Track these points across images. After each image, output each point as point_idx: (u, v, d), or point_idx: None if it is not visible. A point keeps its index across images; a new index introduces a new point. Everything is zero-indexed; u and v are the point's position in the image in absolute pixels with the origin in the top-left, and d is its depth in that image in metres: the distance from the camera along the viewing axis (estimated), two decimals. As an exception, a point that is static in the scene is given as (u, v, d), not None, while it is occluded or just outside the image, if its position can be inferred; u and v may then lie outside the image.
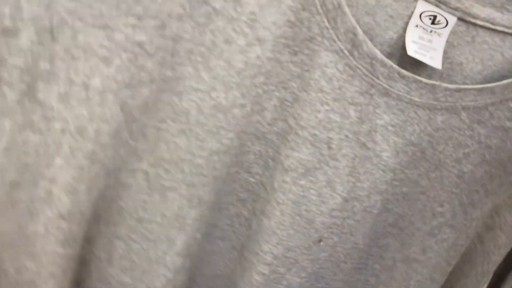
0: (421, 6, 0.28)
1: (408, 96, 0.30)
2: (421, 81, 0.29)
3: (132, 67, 0.25)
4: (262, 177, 0.31)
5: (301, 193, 0.32)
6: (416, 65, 0.30)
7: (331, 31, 0.28)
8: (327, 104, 0.29)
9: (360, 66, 0.29)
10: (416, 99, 0.30)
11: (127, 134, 0.27)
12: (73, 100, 0.25)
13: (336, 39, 0.28)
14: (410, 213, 0.36)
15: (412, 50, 0.29)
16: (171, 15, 0.25)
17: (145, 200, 0.30)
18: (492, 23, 0.29)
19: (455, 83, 0.31)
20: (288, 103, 0.29)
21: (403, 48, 0.29)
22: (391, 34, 0.29)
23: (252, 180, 0.32)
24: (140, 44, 0.25)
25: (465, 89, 0.30)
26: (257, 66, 0.27)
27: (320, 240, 0.34)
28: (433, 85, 0.29)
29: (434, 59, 0.29)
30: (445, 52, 0.30)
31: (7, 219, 0.27)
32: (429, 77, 0.31)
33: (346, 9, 0.27)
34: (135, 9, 0.24)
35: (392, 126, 0.31)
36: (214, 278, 0.36)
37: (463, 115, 0.31)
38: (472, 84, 0.31)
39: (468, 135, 0.32)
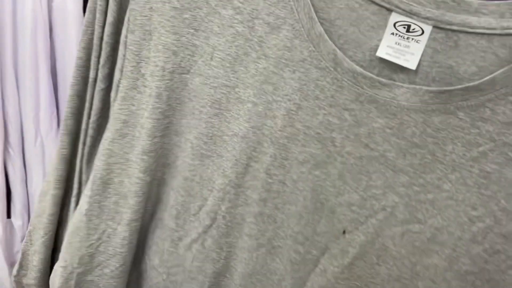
0: (394, 17, 0.33)
1: (396, 101, 0.34)
2: (402, 87, 0.33)
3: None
4: (279, 176, 0.39)
5: (317, 182, 0.38)
6: (406, 71, 0.34)
7: (316, 53, 0.35)
8: (324, 109, 0.36)
9: (345, 79, 0.34)
10: (404, 103, 0.33)
11: (188, 110, 0.41)
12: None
13: (322, 59, 0.35)
14: (446, 223, 0.36)
15: (383, 53, 0.33)
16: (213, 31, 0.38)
17: (189, 163, 0.42)
18: (469, 27, 0.31)
19: (451, 85, 0.33)
20: (293, 112, 0.37)
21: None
22: (376, 42, 0.34)
23: (270, 180, 0.39)
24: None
25: (449, 90, 0.32)
26: (265, 75, 0.37)
27: (344, 232, 0.39)
28: (414, 89, 0.33)
29: (409, 61, 0.32)
30: (431, 57, 0.33)
31: (118, 149, 0.43)
32: (422, 81, 0.34)
33: (326, 37, 0.34)
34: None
35: (389, 128, 0.35)
36: (246, 277, 0.44)
37: (460, 114, 0.33)
38: (469, 84, 0.32)
39: (476, 133, 0.33)
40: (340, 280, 0.40)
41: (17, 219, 0.65)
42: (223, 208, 0.42)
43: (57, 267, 0.49)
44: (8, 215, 0.68)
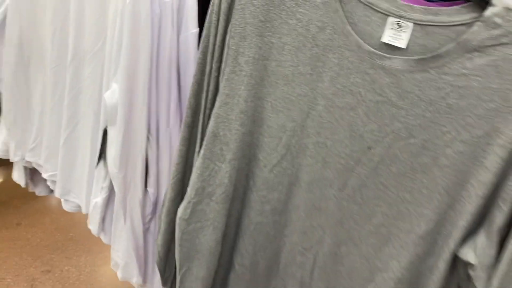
0: (390, 19, 0.58)
1: (395, 67, 0.59)
2: (398, 58, 0.58)
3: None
4: (327, 117, 0.65)
5: (352, 119, 0.63)
6: (399, 49, 0.59)
7: (348, 42, 0.60)
8: (353, 74, 0.61)
9: (365, 56, 0.60)
10: (399, 67, 0.58)
11: (267, 83, 0.67)
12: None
13: (350, 45, 0.60)
14: (429, 137, 0.60)
15: (386, 39, 0.58)
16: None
17: (270, 116, 0.68)
18: (433, 22, 0.56)
19: (425, 55, 0.58)
20: (334, 77, 0.62)
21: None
22: (381, 34, 0.59)
23: (322, 121, 0.65)
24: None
25: (424, 58, 0.57)
26: (316, 57, 0.62)
27: (369, 148, 0.64)
28: (405, 59, 0.58)
29: (401, 44, 0.57)
30: (413, 41, 0.58)
31: (223, 112, 0.70)
32: (409, 54, 0.58)
33: (352, 32, 0.59)
34: None
35: (392, 83, 0.60)
36: (309, 184, 0.70)
37: (432, 72, 0.57)
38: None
39: (442, 82, 0.57)
40: (369, 178, 0.65)
41: (150, 188, 0.88)
42: (293, 141, 0.69)
43: (183, 200, 0.77)
44: (145, 185, 0.88)
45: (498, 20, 0.53)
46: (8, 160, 1.91)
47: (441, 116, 0.59)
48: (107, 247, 1.76)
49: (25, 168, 1.13)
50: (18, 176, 1.16)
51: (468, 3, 0.55)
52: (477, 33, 0.54)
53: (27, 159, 1.06)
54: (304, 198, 0.72)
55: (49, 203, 2.06)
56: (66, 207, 1.03)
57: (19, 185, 2.09)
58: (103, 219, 0.92)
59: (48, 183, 1.06)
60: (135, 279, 0.93)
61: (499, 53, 0.53)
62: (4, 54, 0.98)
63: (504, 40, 0.53)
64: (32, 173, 1.18)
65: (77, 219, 1.99)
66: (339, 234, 0.71)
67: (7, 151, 1.12)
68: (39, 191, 1.22)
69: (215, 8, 0.67)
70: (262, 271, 0.79)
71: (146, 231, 0.91)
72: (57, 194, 1.00)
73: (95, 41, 0.82)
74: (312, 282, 0.76)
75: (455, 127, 0.58)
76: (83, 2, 0.82)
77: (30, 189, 1.23)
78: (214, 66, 0.70)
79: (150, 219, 0.90)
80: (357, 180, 0.67)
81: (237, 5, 0.65)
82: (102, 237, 0.95)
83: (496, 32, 0.53)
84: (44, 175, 1.04)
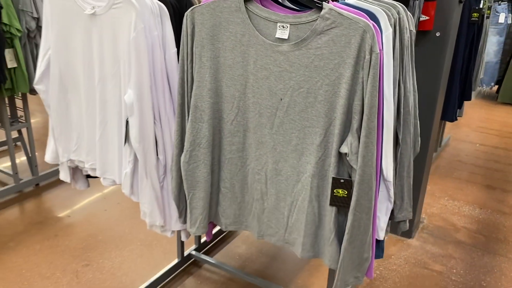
0: (278, 24, 1.06)
1: (284, 50, 1.07)
2: (284, 44, 1.06)
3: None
4: (256, 86, 1.12)
5: (269, 84, 1.11)
6: (285, 40, 1.07)
7: (259, 40, 1.08)
8: (265, 57, 1.09)
9: (268, 47, 1.08)
10: (286, 50, 1.06)
11: (221, 71, 1.15)
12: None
13: (259, 42, 1.08)
14: (310, 86, 1.07)
15: (277, 35, 1.06)
16: None
17: (225, 90, 1.17)
18: (299, 22, 1.04)
19: (298, 40, 1.06)
20: (255, 60, 1.10)
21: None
22: (275, 33, 1.07)
23: (254, 88, 1.13)
24: None
25: (298, 42, 1.05)
26: (243, 50, 1.11)
27: (281, 99, 1.11)
28: (288, 45, 1.06)
29: (285, 36, 1.05)
30: (292, 33, 1.06)
31: (198, 91, 1.18)
32: (290, 41, 1.06)
33: (259, 34, 1.08)
34: None
35: (285, 58, 1.07)
36: (254, 128, 1.17)
37: (303, 49, 1.05)
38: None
39: (309, 53, 1.05)
40: (285, 117, 1.12)
41: (160, 155, 1.33)
42: (241, 103, 1.16)
43: (183, 151, 1.24)
44: (157, 154, 1.36)
45: (327, 15, 1.01)
46: (38, 189, 2.47)
47: (312, 72, 1.06)
48: (130, 243, 2.21)
49: (69, 168, 1.59)
50: (64, 175, 1.61)
51: (314, 9, 1.03)
52: (319, 23, 1.02)
53: (72, 158, 1.52)
54: (253, 138, 1.19)
55: (77, 218, 2.50)
56: (104, 183, 1.47)
57: (50, 208, 2.54)
58: (132, 184, 1.37)
59: (89, 171, 1.51)
60: (158, 222, 1.38)
61: (332, 32, 1.01)
62: (50, 87, 1.45)
63: (333, 25, 1.01)
64: (73, 172, 1.63)
65: (102, 226, 2.43)
66: (275, 155, 1.17)
67: (55, 157, 1.57)
68: (79, 186, 1.68)
69: (184, 32, 1.16)
70: (238, 190, 1.25)
71: (161, 188, 1.36)
72: (97, 174, 1.46)
73: (113, 65, 1.29)
74: (267, 190, 1.21)
75: (321, 77, 1.06)
76: (102, 42, 1.29)
77: (72, 185, 1.68)
78: (189, 66, 1.18)
79: (163, 178, 1.36)
80: (278, 120, 1.14)
81: (196, 29, 1.14)
82: (133, 197, 1.40)
83: (328, 22, 1.01)
84: (86, 166, 1.49)
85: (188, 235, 1.45)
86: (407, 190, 1.37)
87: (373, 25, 0.99)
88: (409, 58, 1.29)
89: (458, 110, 3.05)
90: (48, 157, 1.58)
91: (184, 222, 1.34)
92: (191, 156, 1.21)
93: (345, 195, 1.09)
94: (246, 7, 1.08)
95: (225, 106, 1.18)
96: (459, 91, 2.93)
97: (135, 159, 1.32)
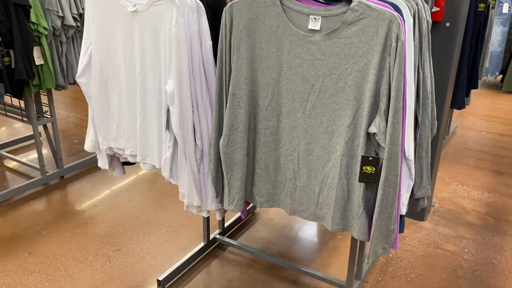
0: (311, 16, 1.17)
1: (317, 40, 1.17)
2: (317, 34, 1.17)
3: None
4: (290, 73, 1.23)
5: (303, 72, 1.22)
6: (317, 31, 1.17)
7: (291, 30, 1.19)
8: (299, 46, 1.20)
9: (301, 37, 1.19)
10: (318, 39, 1.17)
11: (257, 61, 1.26)
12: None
13: (293, 33, 1.19)
14: (340, 72, 1.18)
15: (310, 26, 1.17)
16: None
17: (260, 78, 1.28)
18: (329, 14, 1.15)
19: (329, 30, 1.16)
20: (289, 49, 1.21)
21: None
22: (307, 24, 1.18)
23: (288, 76, 1.24)
24: None
25: (329, 32, 1.16)
26: (278, 42, 1.22)
27: (313, 85, 1.22)
28: (320, 35, 1.17)
29: (317, 27, 1.16)
30: (323, 24, 1.16)
31: (236, 79, 1.29)
32: (322, 32, 1.17)
33: (292, 26, 1.19)
34: None
35: (317, 48, 1.18)
36: (287, 113, 1.28)
37: (334, 38, 1.16)
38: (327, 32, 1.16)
39: (340, 42, 1.16)
40: (317, 101, 1.23)
41: (198, 141, 1.44)
42: (275, 90, 1.27)
43: (222, 136, 1.35)
44: (195, 139, 1.48)
45: (356, 7, 1.11)
46: (63, 181, 2.55)
47: (342, 60, 1.17)
48: (156, 229, 2.34)
49: (108, 156, 1.70)
50: (103, 163, 1.73)
51: (343, 2, 1.14)
52: (349, 15, 1.12)
53: (112, 145, 1.63)
54: (286, 122, 1.30)
55: (103, 207, 2.63)
56: (144, 168, 1.58)
57: (76, 198, 2.66)
58: (171, 168, 1.48)
59: (129, 158, 1.62)
60: (196, 202, 1.49)
61: (361, 23, 1.12)
62: (91, 80, 1.56)
63: (362, 16, 1.11)
64: (111, 160, 1.75)
65: (129, 214, 2.55)
66: (307, 137, 1.28)
67: (94, 146, 1.69)
68: (116, 173, 1.79)
69: (223, 26, 1.26)
70: (272, 170, 1.37)
71: (198, 171, 1.48)
72: (138, 159, 1.57)
73: (153, 58, 1.40)
74: (299, 170, 1.33)
75: (351, 64, 1.17)
76: (143, 37, 1.40)
77: (110, 172, 1.80)
78: (227, 56, 1.29)
79: (200, 162, 1.47)
80: (310, 104, 1.25)
81: (234, 23, 1.25)
82: (172, 180, 1.51)
83: (357, 13, 1.11)
84: (126, 152, 1.60)
85: (223, 213, 1.57)
86: (426, 169, 1.48)
87: (398, 16, 1.10)
88: (427, 46, 1.40)
89: (465, 98, 3.15)
90: (88, 146, 1.70)
91: (221, 201, 1.45)
92: (229, 140, 1.33)
93: (373, 172, 1.20)
94: (280, 1, 1.19)
95: (261, 93, 1.29)
96: (466, 80, 3.03)
97: (175, 144, 1.44)
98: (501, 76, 5.49)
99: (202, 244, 2.18)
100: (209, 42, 1.37)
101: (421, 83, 1.37)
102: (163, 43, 1.36)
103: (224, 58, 1.29)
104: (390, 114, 1.14)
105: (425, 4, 1.39)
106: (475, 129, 4.22)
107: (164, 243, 2.30)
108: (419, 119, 1.40)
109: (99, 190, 2.83)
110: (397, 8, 1.19)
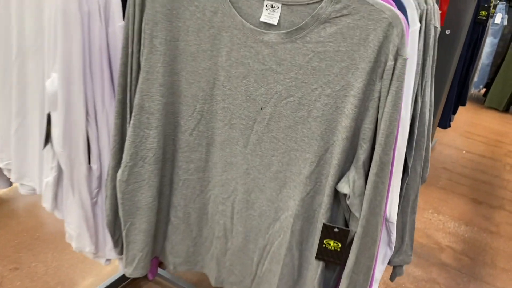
0: (266, 2, 0.73)
1: (271, 40, 0.74)
2: (272, 33, 0.73)
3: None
4: (228, 85, 0.80)
5: (246, 86, 0.78)
6: (273, 26, 0.74)
7: (235, 22, 0.75)
8: (242, 48, 0.76)
9: (248, 33, 0.75)
10: (274, 40, 0.74)
11: (180, 59, 0.81)
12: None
13: (237, 25, 0.75)
14: (303, 94, 0.75)
15: (263, 18, 0.73)
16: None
17: (184, 87, 0.83)
18: (295, 2, 0.71)
19: (291, 28, 0.73)
20: (229, 51, 0.77)
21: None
22: (259, 14, 0.74)
23: (225, 89, 0.80)
24: None
25: (290, 31, 0.72)
26: (214, 35, 0.78)
27: (261, 108, 0.79)
28: (277, 33, 0.73)
29: (274, 21, 0.73)
30: (283, 17, 0.73)
31: (145, 86, 0.84)
32: (280, 29, 0.74)
33: (237, 14, 0.75)
34: None
35: (271, 53, 0.75)
36: (221, 143, 0.85)
37: (298, 42, 0.73)
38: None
39: (305, 49, 0.73)
40: (264, 134, 0.81)
41: (94, 164, 0.99)
42: (205, 108, 0.84)
43: (121, 165, 0.90)
44: (89, 162, 0.98)
45: (338, -3, 0.69)
46: None
47: (309, 77, 0.74)
48: (71, 244, 1.86)
49: (-15, 163, 1.24)
50: (-22, 170, 1.26)
51: (319, -14, 0.71)
52: (325, 7, 0.69)
53: (-16, 152, 1.17)
54: (219, 155, 0.87)
55: (15, 207, 2.14)
56: (22, 191, 1.14)
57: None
58: (55, 196, 1.04)
59: (5, 172, 1.17)
60: (88, 248, 1.05)
61: (342, 22, 0.69)
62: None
63: (345, 12, 0.69)
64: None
65: (44, 220, 2.08)
66: (247, 183, 0.86)
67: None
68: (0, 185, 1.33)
69: (131, 1, 0.81)
70: (194, 221, 0.94)
71: (94, 204, 1.04)
72: (12, 179, 1.12)
73: (35, 38, 0.94)
74: (233, 227, 0.90)
75: (320, 84, 0.74)
76: (23, 7, 0.95)
77: (-10, 183, 1.33)
78: (135, 49, 0.84)
79: (97, 193, 1.03)
80: (255, 136, 0.82)
81: (148, -2, 0.80)
82: (56, 213, 1.07)
83: (338, 6, 0.69)
84: (0, 165, 1.15)
85: (128, 265, 1.13)
86: (409, 229, 1.09)
87: (402, 18, 0.68)
88: (431, 63, 0.99)
89: (452, 116, 2.80)
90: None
91: (121, 253, 1.02)
92: (131, 173, 0.89)
93: (338, 249, 0.79)
94: (221, -27, 0.75)
95: (184, 110, 0.86)
96: (455, 96, 2.67)
97: (60, 166, 0.99)
98: (484, 89, 5.21)
99: (122, 272, 1.74)
100: (119, 23, 0.91)
101: (418, 115, 0.96)
102: (48, 19, 0.90)
103: (130, 50, 0.84)
104: (373, 170, 0.73)
105: (435, 5, 0.98)
106: (455, 146, 3.90)
107: (78, 264, 1.84)
108: (409, 164, 1.00)
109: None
110: (400, 6, 0.77)
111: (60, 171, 1.01)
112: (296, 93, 0.76)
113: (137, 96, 0.85)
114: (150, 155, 0.87)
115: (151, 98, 0.84)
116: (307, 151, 0.79)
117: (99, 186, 1.03)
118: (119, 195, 0.90)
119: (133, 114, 0.86)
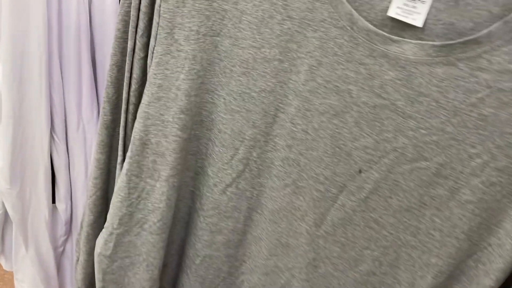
0: (402, -17, 0.37)
1: (404, 55, 0.39)
2: (410, 42, 0.38)
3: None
4: (302, 125, 0.45)
5: (336, 130, 0.44)
6: (413, 28, 0.39)
7: (335, 14, 0.40)
8: (342, 64, 0.41)
9: (360, 37, 0.39)
10: (411, 57, 0.39)
11: (219, 69, 0.46)
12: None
13: (340, 19, 0.40)
14: (448, 160, 0.42)
15: (393, 12, 0.38)
16: None
17: (222, 117, 0.48)
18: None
19: (452, 39, 0.38)
20: (315, 67, 0.42)
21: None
22: (387, 3, 0.39)
23: (294, 129, 0.45)
24: None
25: (451, 44, 0.37)
26: (289, 35, 0.42)
27: (360, 171, 0.45)
28: (420, 44, 0.38)
29: (416, 20, 0.37)
30: (435, 16, 0.38)
31: (154, 111, 0.48)
32: (427, 37, 0.39)
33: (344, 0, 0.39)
34: None
35: (399, 80, 0.40)
36: (274, 213, 0.50)
37: (461, 65, 0.38)
38: (467, 38, 0.37)
39: (474, 81, 0.38)
40: (357, 212, 0.46)
41: (61, 203, 0.68)
42: (254, 154, 0.49)
43: (103, 230, 0.55)
44: (53, 200, 0.68)
45: None
46: None
47: (470, 131, 0.40)
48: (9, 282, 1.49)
49: None
50: None
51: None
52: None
53: None
54: (267, 230, 0.52)
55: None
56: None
57: None
58: (2, 242, 0.69)
59: None
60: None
61: None
62: None
63: None
64: None
65: None
66: (312, 280, 0.52)
67: None
68: None
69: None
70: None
71: (60, 255, 0.70)
72: None
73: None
74: None
75: (489, 148, 0.40)
76: None
77: None
78: (139, 43, 0.48)
79: (65, 240, 0.69)
80: (340, 213, 0.47)
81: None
82: (2, 262, 0.73)
83: None
84: None
85: None
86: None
87: None
88: None
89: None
90: None
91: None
92: (120, 244, 0.54)
93: None
94: None
95: (216, 152, 0.50)
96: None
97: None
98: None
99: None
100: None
101: None
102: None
103: (130, 44, 0.48)
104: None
105: None
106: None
107: None
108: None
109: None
110: None
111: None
112: (436, 156, 0.41)
113: (138, 125, 0.49)
114: (154, 220, 0.52)
115: (163, 131, 0.49)
116: (434, 253, 0.45)
117: (69, 231, 0.69)
118: (98, 275, 0.56)
119: (129, 152, 0.51)
